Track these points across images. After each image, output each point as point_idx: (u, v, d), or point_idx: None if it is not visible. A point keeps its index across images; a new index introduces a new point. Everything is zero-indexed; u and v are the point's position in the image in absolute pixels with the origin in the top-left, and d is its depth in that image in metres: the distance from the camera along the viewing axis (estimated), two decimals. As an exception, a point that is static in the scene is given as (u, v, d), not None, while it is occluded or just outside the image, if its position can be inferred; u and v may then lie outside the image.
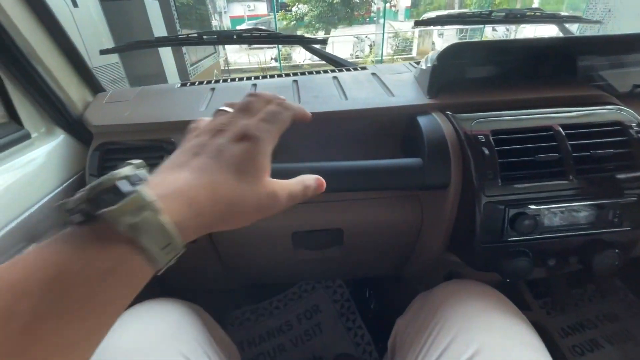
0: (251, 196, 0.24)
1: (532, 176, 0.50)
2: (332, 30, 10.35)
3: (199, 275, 0.78)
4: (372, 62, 8.38)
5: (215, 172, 0.23)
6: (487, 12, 0.80)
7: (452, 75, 0.61)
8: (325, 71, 0.76)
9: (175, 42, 0.79)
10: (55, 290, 0.16)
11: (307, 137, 0.60)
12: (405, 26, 13.14)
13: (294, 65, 8.69)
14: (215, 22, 7.61)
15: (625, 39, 0.61)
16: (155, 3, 2.93)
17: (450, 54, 0.58)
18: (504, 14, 0.79)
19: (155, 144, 0.57)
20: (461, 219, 0.55)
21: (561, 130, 0.51)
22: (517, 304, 0.49)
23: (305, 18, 10.06)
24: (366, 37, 10.02)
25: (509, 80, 0.62)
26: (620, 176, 0.51)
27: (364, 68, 0.77)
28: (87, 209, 0.18)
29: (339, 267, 0.81)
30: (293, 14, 10.72)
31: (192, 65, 3.36)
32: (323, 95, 0.63)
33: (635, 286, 1.11)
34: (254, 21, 16.27)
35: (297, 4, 10.34)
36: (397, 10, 16.77)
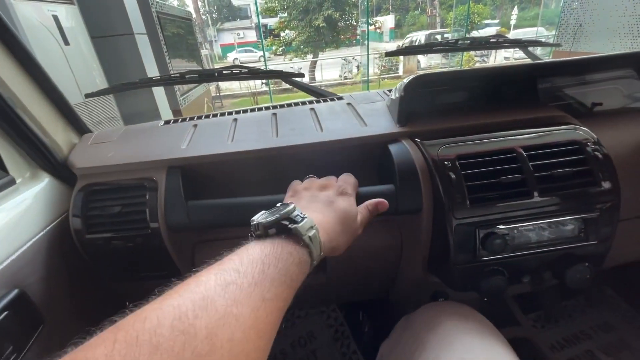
0: (351, 231, 0.40)
1: (499, 197, 0.53)
2: (320, 53, 10.68)
3: None
4: (360, 81, 8.60)
5: (331, 214, 0.39)
6: (454, 41, 0.85)
7: (420, 104, 0.65)
8: (304, 102, 0.80)
9: (158, 82, 0.82)
10: (271, 262, 0.28)
11: (287, 169, 0.62)
12: (391, 46, 13.64)
13: (284, 89, 8.89)
14: (205, 51, 7.81)
15: (580, 62, 0.66)
16: (146, 37, 3.02)
17: (415, 85, 0.61)
18: (469, 42, 0.84)
19: (137, 183, 0.59)
20: (436, 242, 0.57)
21: (523, 152, 0.54)
22: (505, 321, 0.50)
23: (294, 43, 10.38)
24: (353, 58, 10.35)
25: (474, 105, 0.66)
26: (582, 193, 0.53)
27: (340, 98, 0.81)
28: (281, 227, 0.32)
29: (326, 294, 0.81)
30: (281, 39, 11.08)
31: (182, 95, 3.43)
32: (300, 128, 0.66)
33: (627, 294, 1.12)
34: (244, 48, 16.75)
35: (284, 30, 10.70)
36: (382, 32, 17.46)
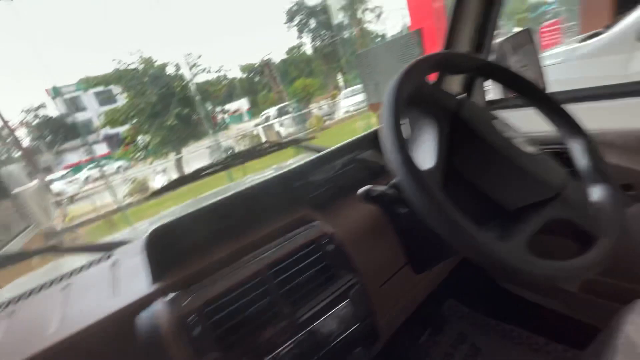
0: None
1: (253, 329, 0.52)
2: (184, 148, 10.54)
3: None
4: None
5: None
6: (224, 159, 0.92)
7: (171, 252, 0.63)
8: (59, 279, 0.69)
9: None
10: None
11: None
12: (251, 123, 14.76)
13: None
14: (33, 183, 6.61)
15: (323, 157, 0.78)
16: None
17: (156, 239, 0.60)
18: (241, 158, 0.92)
19: None
20: None
21: (268, 272, 0.57)
22: None
23: (150, 147, 9.97)
24: (219, 142, 10.58)
25: (233, 229, 0.68)
26: (329, 288, 0.59)
27: (109, 257, 0.74)
28: None
29: None
30: (134, 146, 10.50)
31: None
32: (35, 327, 0.55)
33: (467, 300, 1.27)
34: (101, 162, 15.08)
35: (135, 136, 10.24)
36: (241, 114, 18.79)
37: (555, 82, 0.87)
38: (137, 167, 11.39)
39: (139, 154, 10.77)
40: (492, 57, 0.96)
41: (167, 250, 0.61)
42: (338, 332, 0.57)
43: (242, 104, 18.74)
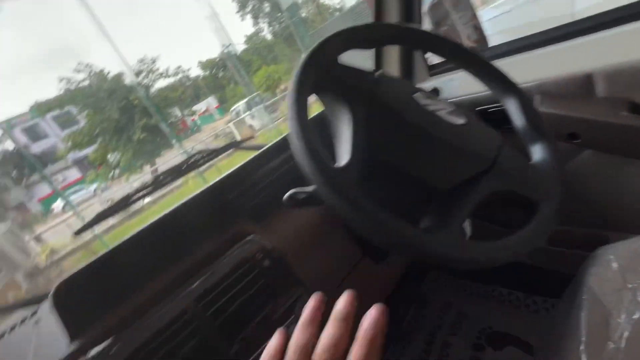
0: None
1: None
2: (157, 158, 10.21)
3: None
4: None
5: None
6: (151, 182, 0.83)
7: (85, 304, 0.55)
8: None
9: None
10: None
11: None
12: (224, 121, 14.38)
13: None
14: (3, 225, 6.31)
15: (246, 166, 0.71)
16: None
17: (65, 293, 0.53)
18: (166, 177, 0.83)
19: None
20: None
21: (197, 305, 0.51)
22: None
23: (121, 164, 9.61)
24: (192, 148, 10.27)
25: (157, 265, 0.61)
26: (270, 307, 0.54)
27: (34, 314, 0.66)
28: None
29: None
30: (106, 165, 10.11)
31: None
32: None
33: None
34: (72, 189, 14.49)
35: (104, 156, 9.83)
36: (211, 114, 18.25)
37: (504, 32, 0.82)
38: (115, 185, 11.01)
39: (111, 173, 10.39)
40: (428, 21, 0.89)
41: (79, 302, 0.54)
42: None
43: (211, 102, 18.17)
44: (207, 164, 0.87)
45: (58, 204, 14.05)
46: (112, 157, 10.02)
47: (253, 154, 0.76)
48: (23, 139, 17.14)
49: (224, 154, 0.91)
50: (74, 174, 15.98)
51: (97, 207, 8.43)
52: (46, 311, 0.64)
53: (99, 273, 0.56)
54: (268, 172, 0.74)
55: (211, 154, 0.89)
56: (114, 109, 9.14)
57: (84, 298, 0.54)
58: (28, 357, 0.54)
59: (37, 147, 17.51)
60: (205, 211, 0.65)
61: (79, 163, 15.36)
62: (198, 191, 0.67)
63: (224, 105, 18.09)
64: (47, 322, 0.59)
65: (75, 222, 8.45)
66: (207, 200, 0.67)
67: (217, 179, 0.69)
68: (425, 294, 1.27)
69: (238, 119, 11.09)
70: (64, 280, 0.53)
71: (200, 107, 16.26)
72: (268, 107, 11.46)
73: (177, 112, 10.44)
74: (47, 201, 15.31)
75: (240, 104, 12.26)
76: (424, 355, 1.09)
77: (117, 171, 10.36)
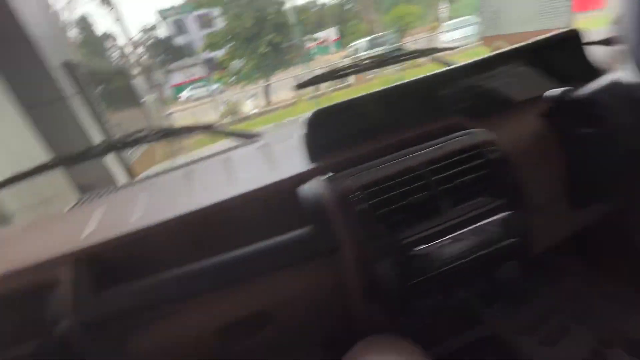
0: None
1: (412, 218, 0.52)
2: (272, 76, 10.84)
3: None
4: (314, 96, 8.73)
5: None
6: (359, 61, 0.87)
7: (327, 136, 0.63)
8: (220, 152, 0.78)
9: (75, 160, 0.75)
10: None
11: (204, 232, 0.58)
12: (339, 56, 14.13)
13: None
14: (151, 96, 7.65)
15: (468, 65, 0.69)
16: (79, 98, 2.90)
17: (315, 120, 0.61)
18: (372, 62, 0.86)
19: (31, 289, 0.51)
20: (364, 274, 0.56)
21: (426, 168, 0.55)
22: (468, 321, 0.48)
23: (242, 72, 10.48)
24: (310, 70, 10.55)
25: (381, 125, 0.66)
26: (488, 196, 0.55)
27: (257, 140, 0.80)
28: None
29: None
30: (227, 71, 11.16)
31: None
32: (209, 185, 0.64)
33: (589, 260, 1.14)
34: (195, 84, 16.66)
35: (231, 61, 10.79)
36: (327, 46, 18.07)
37: None
38: (230, 91, 12.24)
39: (231, 78, 11.48)
40: None
41: (325, 132, 0.62)
42: (492, 240, 0.54)
43: (330, 34, 17.87)
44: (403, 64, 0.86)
45: (184, 94, 16.46)
46: (234, 65, 10.96)
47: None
48: (171, 29, 19.77)
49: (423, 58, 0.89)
50: (200, 71, 18.13)
51: (213, 105, 9.61)
52: (278, 139, 0.77)
53: (343, 114, 0.64)
54: (483, 79, 0.71)
55: (413, 54, 0.88)
56: (249, 18, 9.69)
57: (328, 129, 0.63)
58: (263, 166, 0.66)
59: (179, 40, 20.12)
60: (419, 97, 0.68)
61: (209, 62, 17.19)
62: (412, 79, 0.68)
63: (342, 40, 17.67)
64: (281, 147, 0.72)
65: (196, 111, 9.88)
66: (420, 89, 0.69)
67: (430, 74, 0.69)
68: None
69: (355, 56, 10.77)
70: (317, 110, 0.61)
71: (320, 35, 16.11)
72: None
73: (300, 35, 10.57)
74: (178, 89, 18.02)
75: (362, 42, 11.77)
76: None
77: (235, 79, 11.40)
